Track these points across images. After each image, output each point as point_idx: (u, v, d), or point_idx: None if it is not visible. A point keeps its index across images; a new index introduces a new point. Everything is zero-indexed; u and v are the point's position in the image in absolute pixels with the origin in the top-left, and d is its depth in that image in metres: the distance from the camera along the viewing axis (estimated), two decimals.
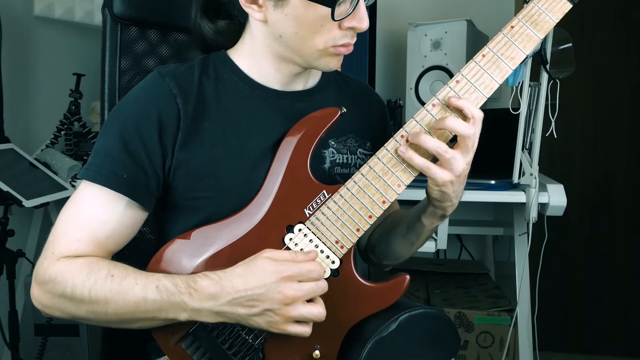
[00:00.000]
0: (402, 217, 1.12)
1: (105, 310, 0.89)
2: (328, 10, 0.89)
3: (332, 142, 1.07)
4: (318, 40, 0.94)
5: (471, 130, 0.90)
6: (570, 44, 1.63)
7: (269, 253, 0.88)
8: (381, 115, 1.20)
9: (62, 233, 0.93)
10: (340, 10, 0.90)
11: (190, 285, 0.87)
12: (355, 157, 1.09)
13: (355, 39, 0.97)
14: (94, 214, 0.94)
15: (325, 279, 0.92)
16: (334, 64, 0.99)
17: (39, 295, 0.93)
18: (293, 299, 0.85)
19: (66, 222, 0.94)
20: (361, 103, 1.15)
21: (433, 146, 0.90)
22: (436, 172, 0.91)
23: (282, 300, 0.85)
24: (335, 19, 0.90)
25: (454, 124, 0.89)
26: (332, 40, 0.94)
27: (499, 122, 1.78)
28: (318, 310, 0.87)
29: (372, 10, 2.06)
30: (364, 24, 0.94)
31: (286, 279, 0.85)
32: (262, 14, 0.95)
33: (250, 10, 0.96)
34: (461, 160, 0.91)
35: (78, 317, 0.92)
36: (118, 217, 0.94)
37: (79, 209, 0.94)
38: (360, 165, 1.06)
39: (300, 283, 0.86)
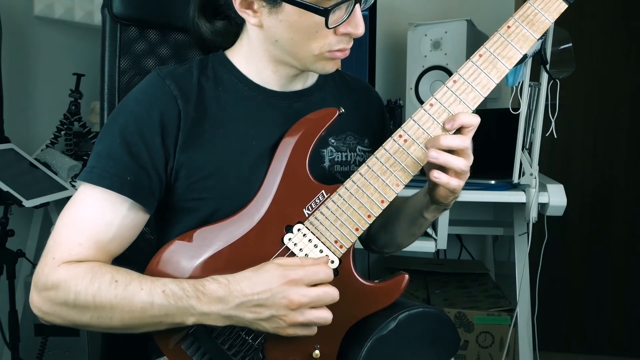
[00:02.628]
0: (401, 211, 1.12)
1: (110, 316, 0.88)
2: (322, 17, 0.88)
3: (332, 140, 1.07)
4: (314, 45, 0.94)
5: (467, 142, 0.91)
6: (570, 44, 1.63)
7: (278, 259, 0.89)
8: (379, 112, 1.20)
9: (63, 237, 0.92)
10: (334, 17, 0.90)
11: (198, 289, 0.86)
12: (355, 154, 1.09)
13: (351, 43, 0.97)
14: (96, 217, 0.92)
15: None
16: (330, 67, 0.99)
17: (39, 302, 0.91)
18: (299, 305, 0.85)
19: (66, 225, 0.93)
20: (360, 100, 1.16)
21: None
22: (457, 184, 0.93)
23: (287, 306, 0.85)
24: (330, 27, 0.90)
25: (449, 141, 0.90)
26: (327, 45, 0.94)
27: (499, 122, 1.78)
28: (325, 314, 0.88)
29: (372, 10, 2.06)
30: (359, 30, 0.93)
31: (291, 283, 0.85)
32: (257, 19, 0.95)
33: (246, 15, 0.96)
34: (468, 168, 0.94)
35: (80, 324, 0.91)
36: (120, 220, 0.94)
37: (80, 212, 0.93)
38: (360, 163, 1.08)
39: (307, 288, 0.86)
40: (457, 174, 0.92)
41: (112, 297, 0.87)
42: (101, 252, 0.93)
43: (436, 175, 0.91)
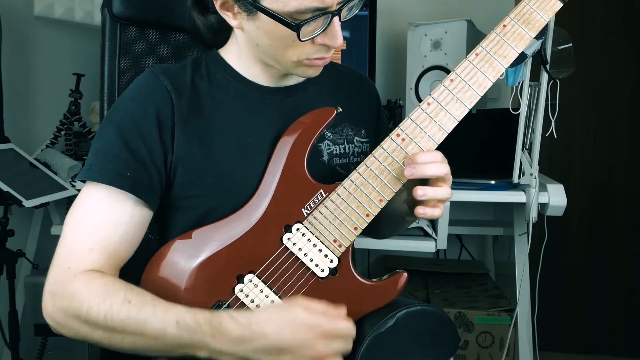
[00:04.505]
0: (384, 212, 1.12)
1: (121, 339, 0.85)
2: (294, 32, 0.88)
3: (329, 134, 1.07)
4: (291, 53, 0.94)
5: (444, 170, 0.92)
6: (571, 44, 1.63)
7: (304, 302, 0.85)
8: (375, 102, 1.20)
9: (74, 244, 0.90)
10: (310, 27, 0.89)
11: (214, 326, 0.83)
12: (353, 145, 1.10)
13: (332, 52, 0.96)
14: (103, 218, 0.91)
15: (324, 278, 0.94)
16: (311, 73, 0.99)
17: (53, 312, 0.88)
18: (322, 356, 0.83)
19: (75, 230, 0.91)
20: (355, 91, 1.16)
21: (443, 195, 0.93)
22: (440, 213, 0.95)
23: (310, 356, 0.83)
24: (303, 39, 0.89)
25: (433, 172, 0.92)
26: (305, 54, 0.94)
27: (499, 122, 1.78)
28: None
29: (372, 10, 2.06)
30: (337, 42, 0.92)
31: (321, 337, 0.83)
32: (237, 21, 0.95)
33: (226, 17, 0.96)
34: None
35: (92, 340, 0.88)
36: (127, 219, 0.93)
37: (86, 216, 0.92)
38: (358, 154, 1.09)
39: (331, 341, 0.84)
40: (440, 200, 0.94)
41: (124, 317, 0.84)
42: (112, 256, 0.91)
43: (421, 212, 0.93)
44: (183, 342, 0.83)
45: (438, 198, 0.93)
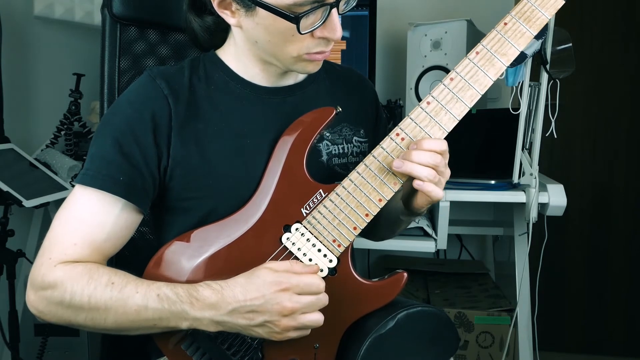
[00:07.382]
0: (381, 212, 1.12)
1: (104, 317, 0.89)
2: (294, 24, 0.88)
3: (327, 134, 1.07)
4: (291, 48, 0.94)
5: (437, 159, 0.91)
6: (570, 44, 1.63)
7: (270, 264, 0.89)
8: (373, 101, 1.20)
9: (58, 237, 0.93)
10: (309, 20, 0.89)
11: (192, 295, 0.87)
12: (351, 145, 1.10)
13: (331, 46, 0.96)
14: (90, 217, 0.93)
15: (323, 277, 0.93)
16: (311, 68, 0.99)
17: (35, 301, 0.92)
18: (291, 311, 0.85)
19: (61, 226, 0.94)
20: (353, 91, 1.16)
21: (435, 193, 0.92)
22: (438, 193, 0.93)
23: (280, 312, 0.85)
24: (303, 32, 0.89)
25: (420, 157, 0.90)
26: (305, 48, 0.94)
27: (499, 122, 1.78)
28: (316, 318, 0.88)
29: (372, 10, 2.06)
30: (336, 34, 0.92)
31: (284, 291, 0.85)
32: (235, 19, 0.95)
33: (224, 15, 0.96)
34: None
35: (76, 324, 0.91)
36: (114, 220, 0.94)
37: (74, 213, 0.94)
38: (357, 153, 1.09)
39: (299, 295, 0.86)
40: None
41: (107, 298, 0.88)
42: (96, 252, 0.93)
43: (418, 184, 0.91)
44: (164, 314, 0.87)
45: (415, 174, 0.90)
